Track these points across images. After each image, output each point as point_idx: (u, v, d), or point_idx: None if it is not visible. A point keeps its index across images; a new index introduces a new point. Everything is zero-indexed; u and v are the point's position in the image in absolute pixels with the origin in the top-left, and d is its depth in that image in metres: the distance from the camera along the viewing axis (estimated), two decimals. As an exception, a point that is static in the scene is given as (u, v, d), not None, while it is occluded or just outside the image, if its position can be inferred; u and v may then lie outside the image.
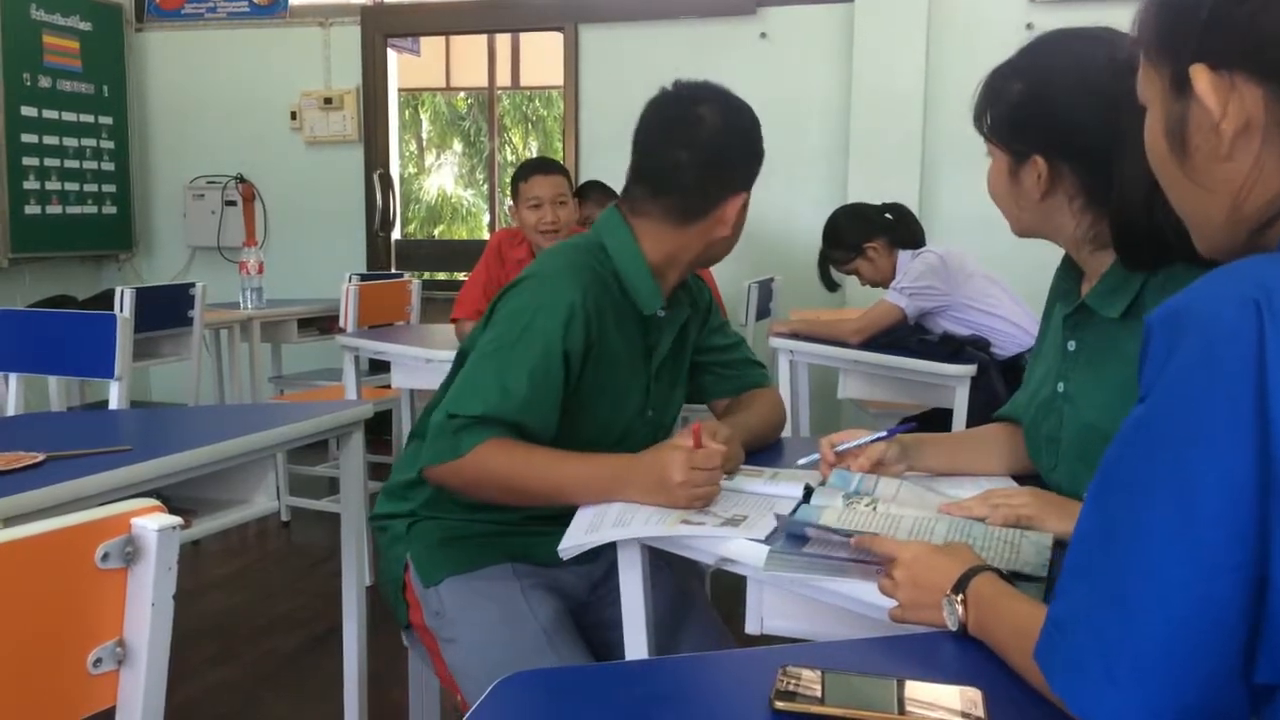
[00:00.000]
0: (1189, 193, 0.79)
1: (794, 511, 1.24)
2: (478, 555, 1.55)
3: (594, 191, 3.73)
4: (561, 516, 1.35)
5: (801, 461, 1.48)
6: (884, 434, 1.42)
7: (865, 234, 3.26)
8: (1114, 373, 1.26)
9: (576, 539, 1.29)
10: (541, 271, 1.52)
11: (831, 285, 3.44)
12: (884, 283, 3.25)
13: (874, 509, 1.26)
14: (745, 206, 1.56)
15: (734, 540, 1.20)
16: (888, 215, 3.30)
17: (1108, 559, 0.68)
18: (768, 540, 1.19)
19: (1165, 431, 0.66)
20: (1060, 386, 1.34)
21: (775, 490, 1.38)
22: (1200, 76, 0.73)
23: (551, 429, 1.46)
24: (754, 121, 1.56)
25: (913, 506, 1.27)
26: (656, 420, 1.64)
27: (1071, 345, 1.33)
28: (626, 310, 1.55)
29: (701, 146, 1.50)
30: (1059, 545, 1.14)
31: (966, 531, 1.17)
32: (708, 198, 1.52)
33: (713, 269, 1.95)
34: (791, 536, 1.17)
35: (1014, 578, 1.01)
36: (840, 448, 1.41)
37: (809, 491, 1.33)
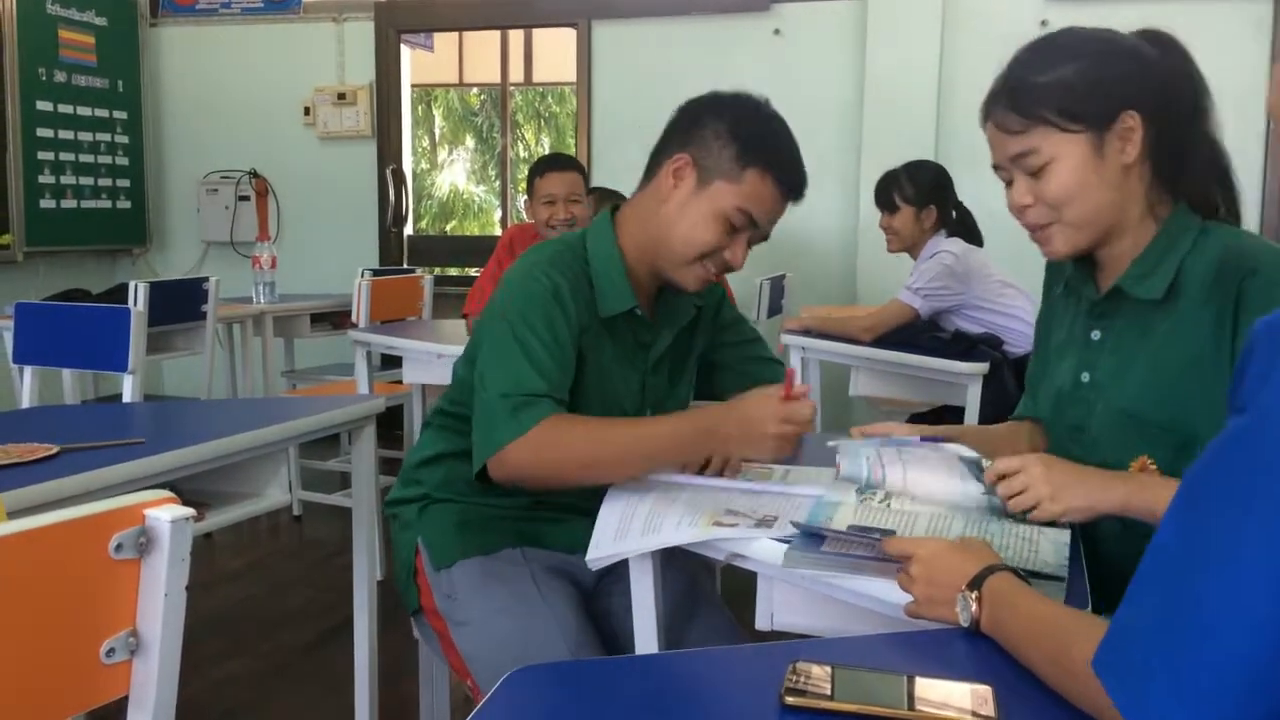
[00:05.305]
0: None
1: (810, 514, 1.23)
2: (489, 539, 1.55)
3: (601, 194, 3.71)
4: (571, 504, 1.33)
5: (831, 443, 1.45)
6: (914, 440, 1.36)
7: (937, 199, 3.19)
8: (1147, 356, 1.25)
9: (605, 549, 1.24)
10: (523, 264, 1.53)
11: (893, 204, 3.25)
12: (904, 248, 3.23)
13: (888, 506, 1.25)
14: (703, 191, 1.48)
15: (759, 540, 1.18)
16: (955, 211, 3.26)
17: (1186, 572, 0.65)
18: (788, 540, 1.17)
19: (1262, 450, 0.63)
20: (1085, 377, 1.32)
21: (796, 490, 1.37)
22: None
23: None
24: (718, 99, 1.53)
25: (923, 499, 1.26)
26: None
27: (1096, 334, 1.32)
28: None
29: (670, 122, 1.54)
30: (1075, 540, 1.14)
31: (983, 529, 1.16)
32: (656, 161, 1.54)
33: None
34: (808, 537, 1.16)
35: (1032, 576, 1.00)
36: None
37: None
